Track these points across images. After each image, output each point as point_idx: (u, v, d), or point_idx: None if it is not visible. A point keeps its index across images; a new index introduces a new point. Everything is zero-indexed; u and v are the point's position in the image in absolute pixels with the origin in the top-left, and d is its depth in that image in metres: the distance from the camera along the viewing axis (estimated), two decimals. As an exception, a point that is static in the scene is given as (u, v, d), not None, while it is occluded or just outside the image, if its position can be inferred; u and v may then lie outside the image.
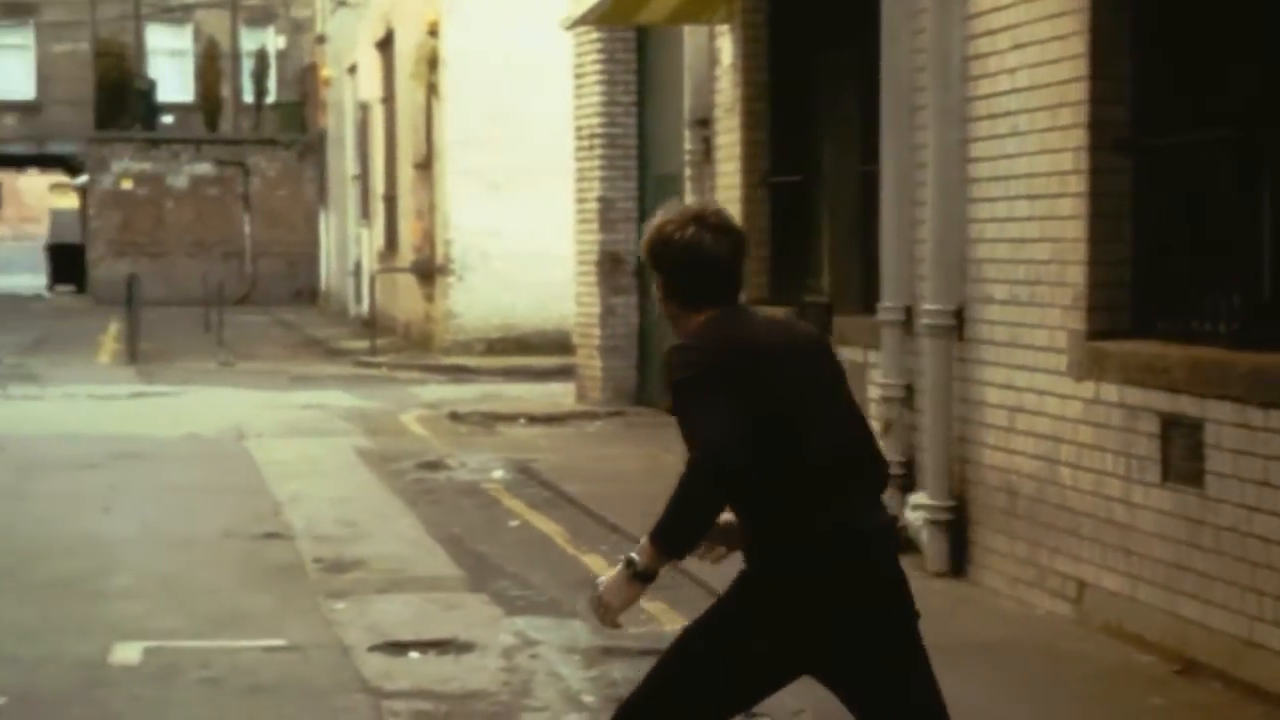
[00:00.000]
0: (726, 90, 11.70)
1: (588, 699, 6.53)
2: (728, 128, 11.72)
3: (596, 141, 15.72)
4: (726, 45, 11.65)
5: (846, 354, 9.69)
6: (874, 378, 9.20)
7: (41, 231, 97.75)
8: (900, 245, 8.81)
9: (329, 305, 35.74)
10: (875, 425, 9.06)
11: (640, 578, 4.04)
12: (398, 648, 7.30)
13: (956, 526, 8.31)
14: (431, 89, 23.34)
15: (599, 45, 15.51)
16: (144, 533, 10.10)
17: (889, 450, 8.86)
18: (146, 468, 12.77)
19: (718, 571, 8.53)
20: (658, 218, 4.11)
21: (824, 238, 10.96)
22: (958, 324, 8.27)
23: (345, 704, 6.51)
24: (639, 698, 4.17)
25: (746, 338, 3.98)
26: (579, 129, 16.07)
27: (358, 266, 31.30)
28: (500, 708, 6.44)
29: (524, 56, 22.42)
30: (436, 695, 6.60)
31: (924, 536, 8.43)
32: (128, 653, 7.16)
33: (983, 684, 6.59)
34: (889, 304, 8.91)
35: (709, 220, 4.05)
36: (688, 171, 12.46)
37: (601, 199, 15.76)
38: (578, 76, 16.06)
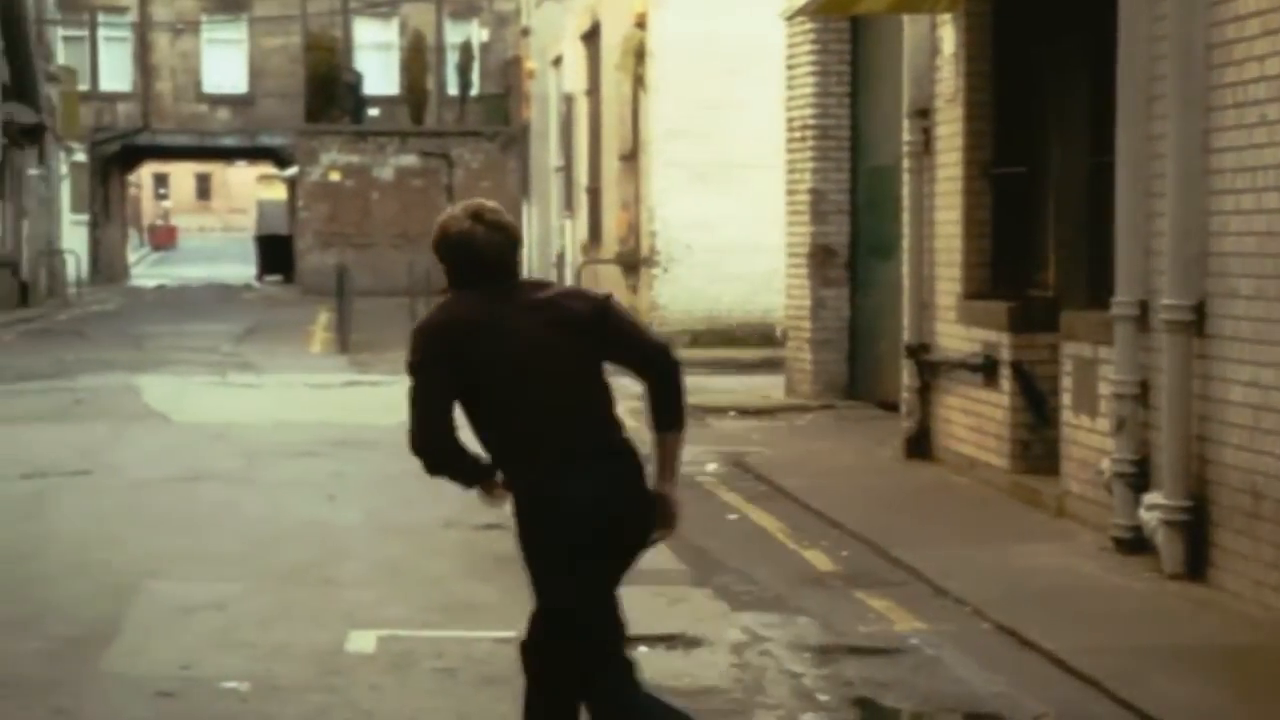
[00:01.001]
0: (948, 80, 11.52)
1: (823, 698, 6.45)
2: (949, 118, 11.54)
3: (809, 133, 15.59)
4: (948, 34, 11.47)
5: (1073, 350, 9.50)
6: (1105, 374, 8.98)
7: (248, 222, 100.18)
8: (1136, 238, 8.58)
9: (531, 296, 36.03)
10: (1107, 423, 8.87)
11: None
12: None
13: (1194, 528, 8.07)
14: (638, 80, 23.38)
15: (812, 36, 15.38)
16: (368, 521, 10.24)
17: (1121, 449, 8.66)
18: (366, 456, 12.93)
19: (944, 570, 8.41)
20: (444, 213, 4.86)
21: (1049, 230, 10.74)
22: (1198, 319, 8.03)
23: (579, 697, 6.50)
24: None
25: (461, 318, 4.71)
26: (791, 120, 15.96)
27: (560, 258, 31.52)
28: (734, 705, 6.39)
29: (731, 47, 22.36)
30: (669, 691, 6.54)
31: (1159, 537, 8.20)
32: (363, 641, 7.24)
33: (1231, 688, 6.40)
34: (1123, 298, 8.68)
35: (485, 217, 4.77)
36: (906, 163, 12.29)
37: (813, 191, 15.63)
38: (790, 67, 15.95)
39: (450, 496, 11.03)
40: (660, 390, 4.94)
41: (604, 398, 4.91)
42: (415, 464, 13.20)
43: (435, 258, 4.87)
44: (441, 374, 4.70)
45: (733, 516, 10.50)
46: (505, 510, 10.34)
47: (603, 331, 4.81)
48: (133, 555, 9.03)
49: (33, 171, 35.12)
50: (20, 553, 9.09)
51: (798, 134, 15.79)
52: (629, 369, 4.91)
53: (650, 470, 5.01)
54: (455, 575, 8.69)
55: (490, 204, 4.91)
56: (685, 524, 9.94)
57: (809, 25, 15.28)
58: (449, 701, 6.44)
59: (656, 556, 9.19)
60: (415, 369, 4.77)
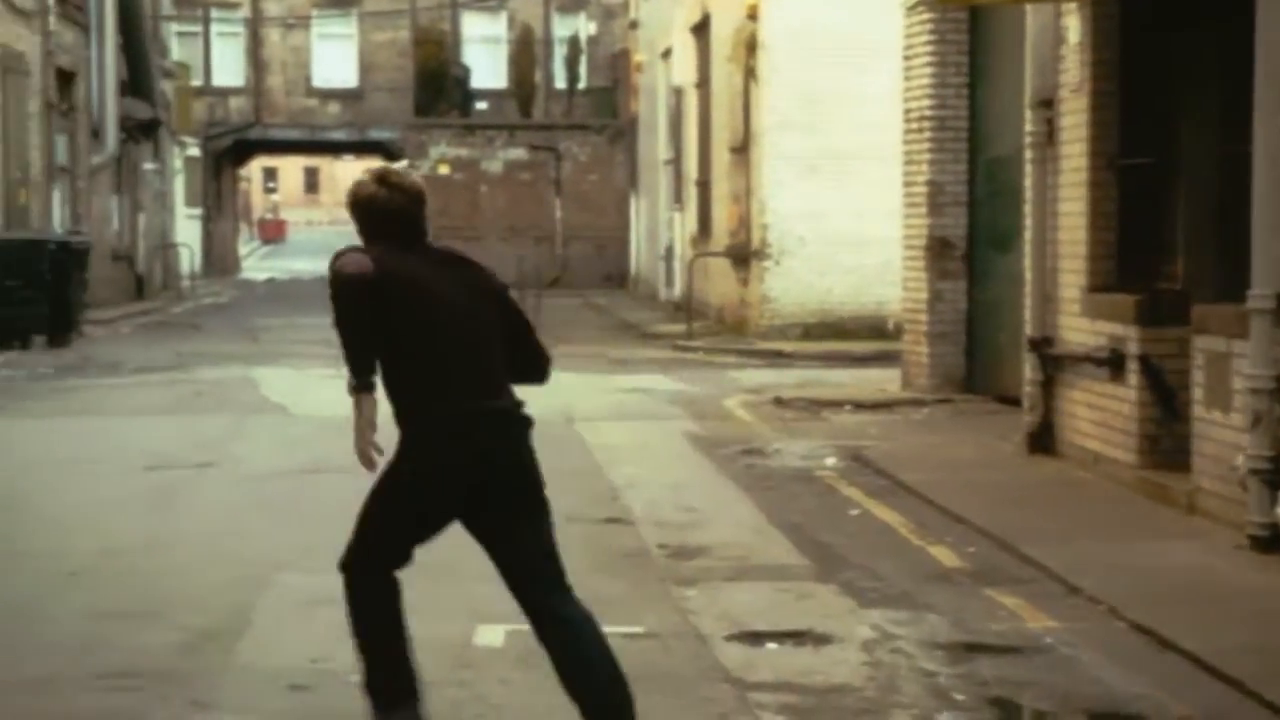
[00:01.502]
0: (1072, 70, 11.36)
1: (959, 697, 6.36)
2: (1073, 109, 11.38)
3: (926, 124, 15.45)
4: (1074, 23, 11.30)
5: (1206, 343, 9.32)
6: (1239, 368, 8.81)
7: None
8: (1273, 229, 8.41)
9: (638, 289, 36.05)
10: (1241, 418, 8.70)
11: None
12: (755, 638, 7.24)
13: (1334, 526, 7.90)
14: (749, 72, 23.29)
15: (930, 26, 15.23)
16: (490, 514, 10.23)
17: (1256, 445, 8.50)
18: (483, 449, 12.96)
19: (1074, 567, 8.28)
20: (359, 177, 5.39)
21: (1178, 222, 10.57)
22: (1338, 313, 7.86)
23: (711, 694, 6.46)
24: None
25: (392, 268, 5.13)
26: (908, 111, 15.82)
27: (669, 251, 31.49)
28: (868, 704, 6.31)
29: (843, 38, 22.24)
30: (801, 688, 6.51)
31: (1297, 535, 8.04)
32: (490, 635, 7.24)
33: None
34: (1259, 291, 8.51)
35: (389, 180, 5.31)
36: (1029, 154, 12.13)
37: (930, 182, 15.49)
38: (907, 58, 15.80)
39: (569, 491, 11.07)
40: (528, 379, 5.50)
41: (502, 362, 5.34)
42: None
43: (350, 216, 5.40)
44: (366, 317, 5.14)
45: (854, 512, 10.41)
46: (597, 498, 10.32)
47: (503, 309, 5.36)
48: (260, 547, 9.09)
49: (148, 166, 35.56)
50: (149, 544, 9.17)
51: (915, 125, 15.65)
52: (509, 358, 5.37)
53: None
54: (580, 569, 8.57)
55: (395, 168, 5.47)
56: (806, 518, 10.00)
57: (926, 15, 15.14)
58: (580, 697, 6.40)
59: (777, 551, 9.21)
60: (341, 310, 5.18)
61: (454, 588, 8.21)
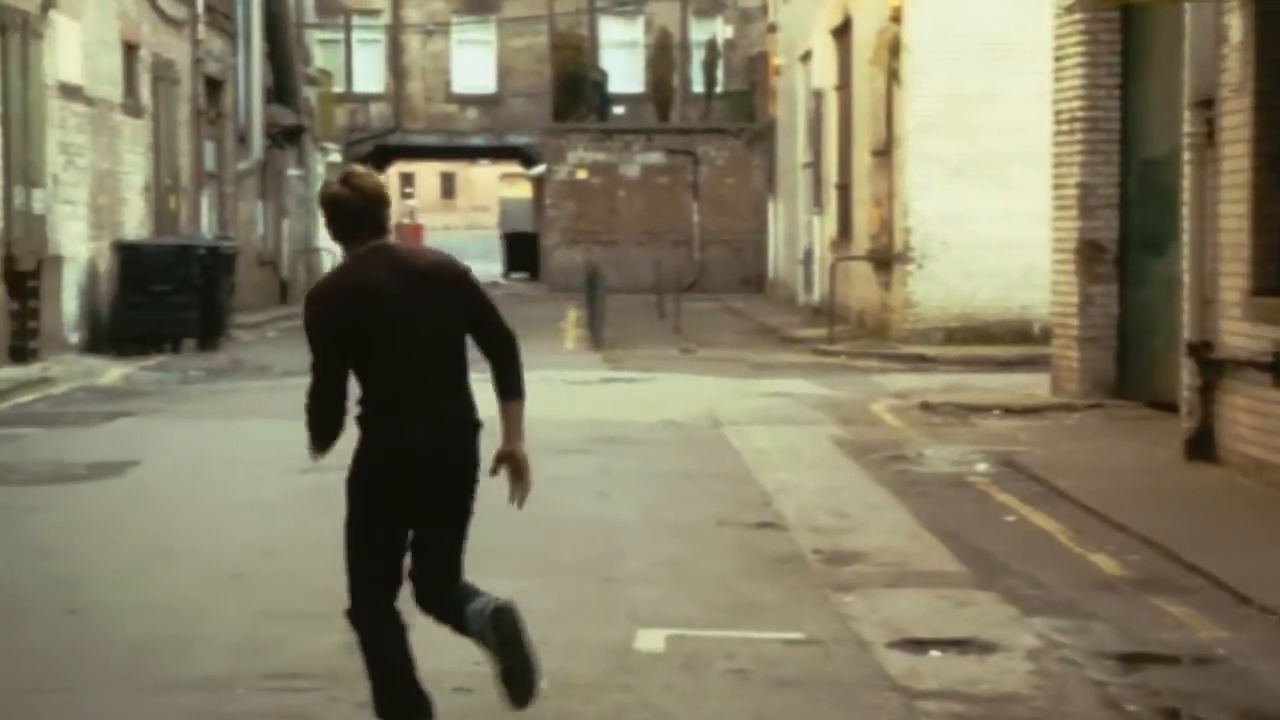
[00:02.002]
0: (1234, 69, 11.14)
1: (1131, 707, 6.24)
2: (1235, 109, 11.16)
3: (1077, 125, 15.23)
4: (1236, 21, 11.08)
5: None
6: None
7: (490, 220, 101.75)
8: None
9: (776, 293, 35.94)
10: None
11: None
12: (917, 645, 7.16)
13: None
14: (892, 75, 23.13)
15: (1081, 26, 15.01)
16: (643, 518, 10.24)
17: None
18: (632, 453, 12.98)
19: (1243, 576, 8.10)
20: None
21: (1345, 224, 10.33)
22: None
23: (876, 701, 6.40)
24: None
25: (331, 288, 5.57)
26: (1058, 113, 15.61)
27: (808, 254, 31.36)
28: (1038, 713, 6.22)
29: (988, 40, 22.04)
30: (968, 697, 6.43)
31: None
32: (651, 640, 7.22)
33: None
34: None
35: (350, 181, 5.61)
36: (1187, 155, 11.92)
37: (1081, 185, 15.26)
38: (1057, 59, 15.59)
39: (720, 495, 11.08)
40: (503, 366, 5.69)
41: (456, 361, 5.60)
42: (683, 463, 13.23)
43: None
44: (327, 342, 5.53)
45: (1010, 518, 10.28)
46: (748, 503, 10.31)
47: (459, 300, 5.56)
48: (416, 550, 9.15)
49: (292, 172, 36.05)
50: (309, 545, 9.25)
51: (1065, 127, 15.44)
52: (476, 341, 5.65)
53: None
54: (735, 575, 8.64)
55: (360, 169, 5.77)
56: (961, 525, 9.89)
57: (1078, 15, 14.94)
58: (745, 704, 6.37)
59: (934, 557, 9.11)
60: (309, 337, 5.63)
61: (611, 591, 8.24)
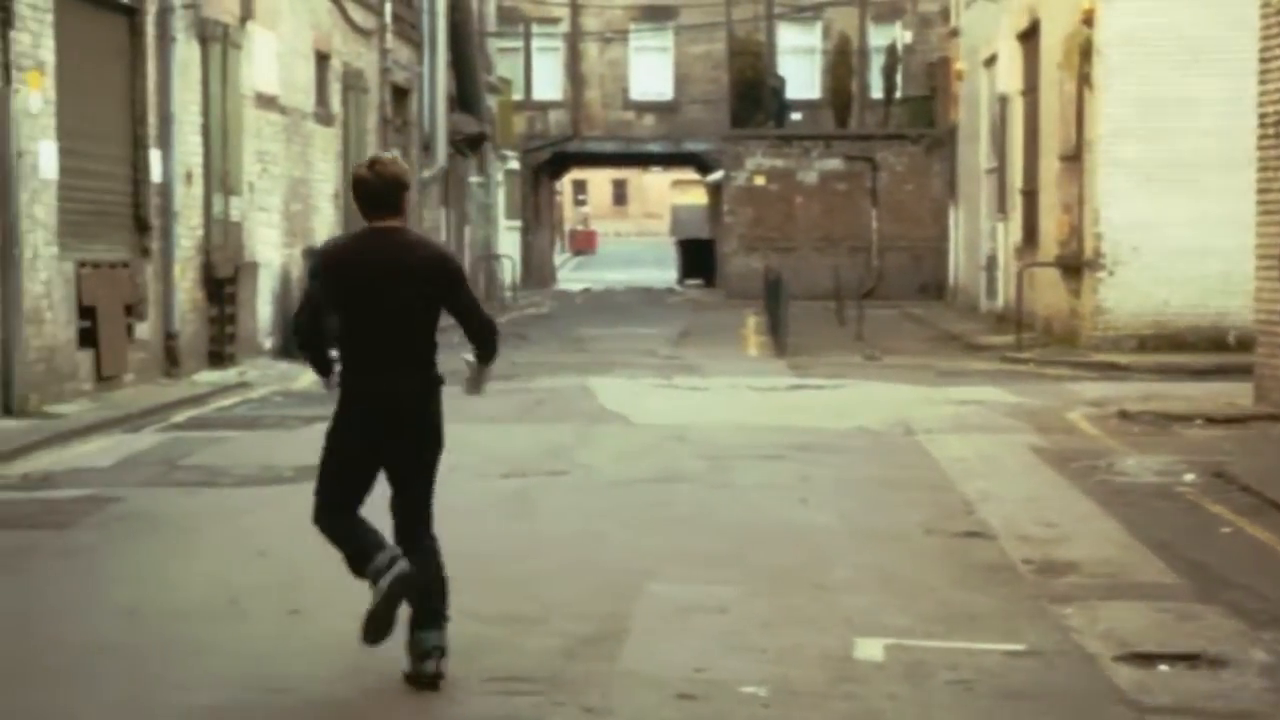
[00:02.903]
0: None
1: (1379, 728, 6.05)
2: None
3: (1284, 128, 14.86)
4: None
5: None
6: None
7: (661, 227, 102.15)
8: None
9: (956, 299, 35.56)
10: None
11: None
12: (1144, 659, 7.00)
13: None
14: (1083, 79, 22.76)
15: (1289, 26, 14.66)
16: (845, 525, 10.16)
17: None
18: (827, 460, 12.89)
19: None
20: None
21: None
22: None
23: (1107, 716, 6.26)
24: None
25: (343, 254, 6.62)
26: (1263, 116, 15.24)
27: (991, 260, 30.98)
28: (1278, 731, 6.05)
29: (1183, 43, 21.63)
30: (1204, 713, 6.27)
31: None
32: (870, 649, 7.13)
33: None
34: None
35: (374, 166, 6.55)
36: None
37: (1287, 189, 14.89)
38: (1263, 60, 15.22)
39: (924, 503, 10.96)
40: (483, 346, 6.74)
41: (430, 339, 6.57)
42: (880, 470, 13.13)
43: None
44: (320, 288, 6.56)
45: (1226, 530, 10.04)
46: (952, 512, 10.19)
47: (445, 285, 6.54)
48: (623, 555, 9.17)
49: (473, 179, 36.43)
50: (518, 551, 9.32)
51: (1272, 131, 15.08)
52: (463, 328, 6.65)
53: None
54: (946, 584, 8.53)
55: (387, 156, 6.73)
56: (1174, 536, 9.67)
57: (1285, 15, 14.58)
58: (973, 716, 6.27)
59: (1149, 569, 8.91)
60: (310, 278, 6.80)
61: (823, 599, 8.17)
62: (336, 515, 6.63)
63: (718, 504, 10.87)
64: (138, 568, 8.86)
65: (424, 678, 6.48)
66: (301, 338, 6.69)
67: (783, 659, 6.99)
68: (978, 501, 11.00)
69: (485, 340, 6.73)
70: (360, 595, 8.14)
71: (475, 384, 6.90)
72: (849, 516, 10.44)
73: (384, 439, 6.52)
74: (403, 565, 6.41)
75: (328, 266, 6.58)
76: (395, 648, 6.62)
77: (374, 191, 6.50)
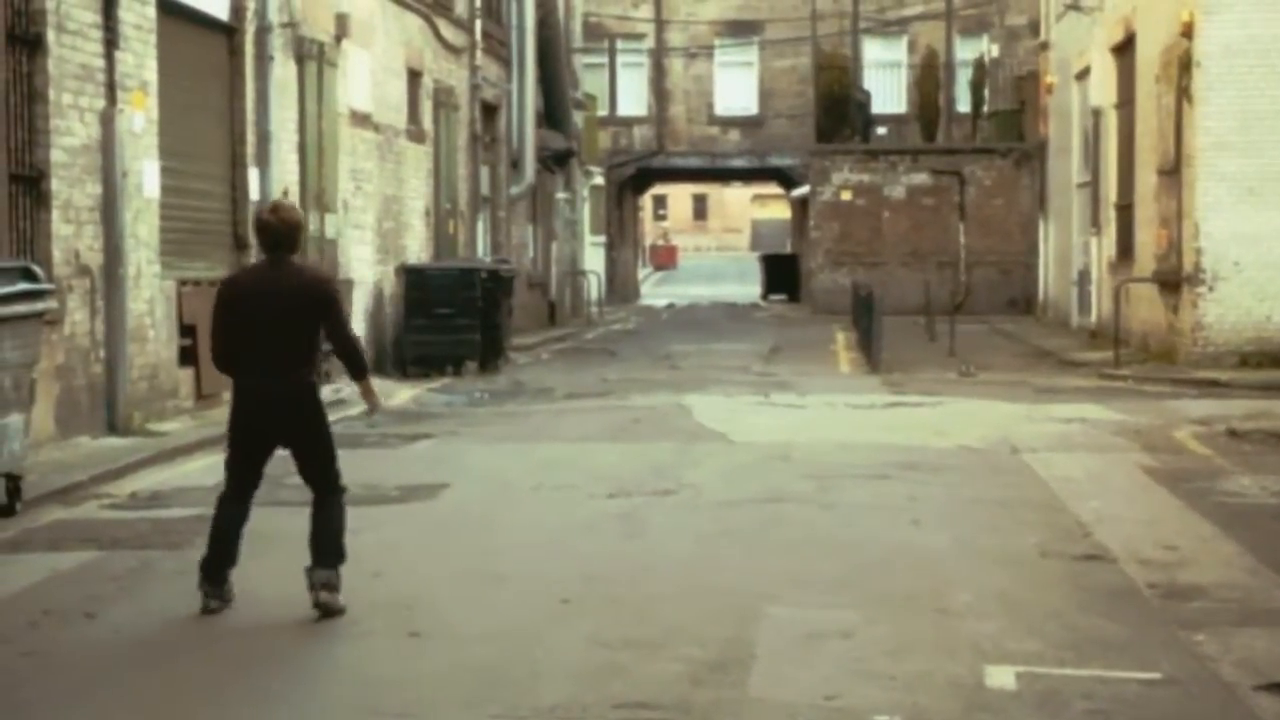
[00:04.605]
0: None
1: None
2: None
3: (1397, 142, 14.59)
4: None
5: None
6: None
7: (742, 242, 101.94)
8: None
9: (1046, 315, 35.23)
10: None
11: None
12: (1284, 689, 6.83)
13: None
14: (1182, 92, 22.48)
15: (1403, 38, 14.39)
16: (960, 548, 10.01)
17: None
18: (935, 479, 12.74)
19: None
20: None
21: None
22: None
23: (1254, 748, 6.11)
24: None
25: (239, 280, 8.33)
26: (1376, 129, 14.97)
27: (1083, 276, 30.66)
28: None
29: (1285, 54, 21.31)
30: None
31: None
32: (1001, 677, 6.99)
33: None
34: None
35: (276, 210, 8.18)
36: None
37: (1401, 204, 14.61)
38: (1375, 73, 14.96)
39: (1037, 524, 10.78)
40: (349, 361, 8.17)
41: (305, 348, 7.98)
42: (989, 490, 12.91)
43: None
44: (222, 308, 8.07)
45: (1358, 552, 9.81)
46: (1067, 534, 9.92)
47: (316, 311, 7.96)
48: (739, 577, 9.05)
49: (560, 195, 36.46)
50: (631, 573, 9.23)
51: (1384, 143, 14.79)
52: (330, 343, 8.09)
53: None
54: (1072, 609, 8.36)
55: (286, 202, 8.75)
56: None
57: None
58: (1116, 746, 6.14)
59: (1278, 594, 8.69)
60: (214, 304, 8.18)
61: (947, 624, 8.03)
62: (234, 505, 8.18)
63: (828, 525, 10.75)
64: (256, 589, 8.84)
65: (316, 606, 7.96)
66: (215, 359, 8.13)
67: (913, 687, 6.86)
68: (1093, 523, 10.82)
69: (347, 356, 8.11)
70: (481, 616, 8.10)
71: (367, 400, 8.40)
72: (963, 539, 10.29)
73: (270, 430, 8.04)
74: (211, 605, 8.09)
75: (228, 288, 8.15)
76: (524, 675, 6.53)
77: (276, 233, 8.02)
